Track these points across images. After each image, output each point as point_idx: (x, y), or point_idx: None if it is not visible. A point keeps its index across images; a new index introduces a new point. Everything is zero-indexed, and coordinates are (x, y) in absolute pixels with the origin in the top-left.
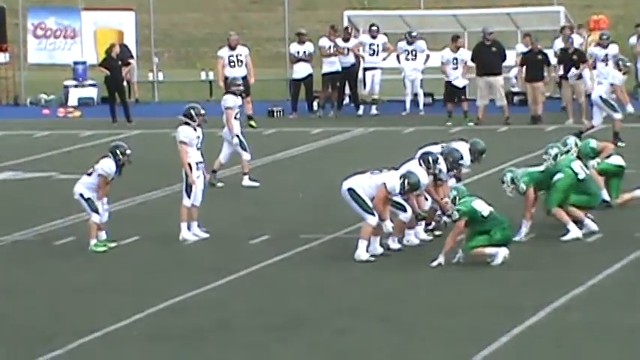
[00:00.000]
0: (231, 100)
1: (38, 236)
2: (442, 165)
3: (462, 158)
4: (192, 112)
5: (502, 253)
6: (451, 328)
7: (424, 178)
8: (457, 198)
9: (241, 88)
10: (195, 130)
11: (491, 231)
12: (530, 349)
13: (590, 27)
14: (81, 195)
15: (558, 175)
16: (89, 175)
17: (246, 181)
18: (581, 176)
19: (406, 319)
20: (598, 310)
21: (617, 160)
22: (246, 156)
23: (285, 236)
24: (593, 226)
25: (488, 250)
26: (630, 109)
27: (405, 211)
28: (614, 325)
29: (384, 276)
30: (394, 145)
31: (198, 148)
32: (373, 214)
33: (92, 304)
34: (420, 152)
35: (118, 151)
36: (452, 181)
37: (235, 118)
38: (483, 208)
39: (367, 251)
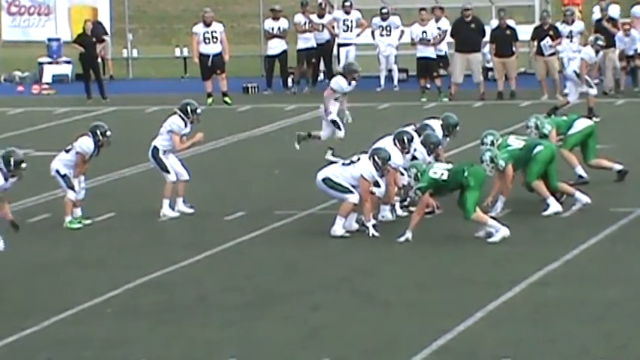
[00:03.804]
0: (339, 85)
1: (12, 213)
2: (417, 144)
3: (439, 142)
4: (187, 107)
5: (502, 232)
6: (426, 303)
7: (398, 158)
8: (418, 174)
9: (357, 76)
10: (186, 125)
11: (463, 184)
12: (506, 325)
13: (565, 2)
14: (57, 171)
15: (538, 148)
16: (67, 151)
17: (328, 156)
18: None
19: (381, 294)
20: (573, 286)
21: (582, 124)
22: (339, 134)
23: (260, 213)
24: (585, 199)
25: (491, 222)
26: (593, 91)
27: (379, 186)
28: (590, 300)
29: (359, 252)
30: (369, 121)
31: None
32: (353, 192)
33: (67, 281)
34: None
35: (98, 131)
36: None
37: (336, 100)
38: (442, 172)
39: (343, 227)
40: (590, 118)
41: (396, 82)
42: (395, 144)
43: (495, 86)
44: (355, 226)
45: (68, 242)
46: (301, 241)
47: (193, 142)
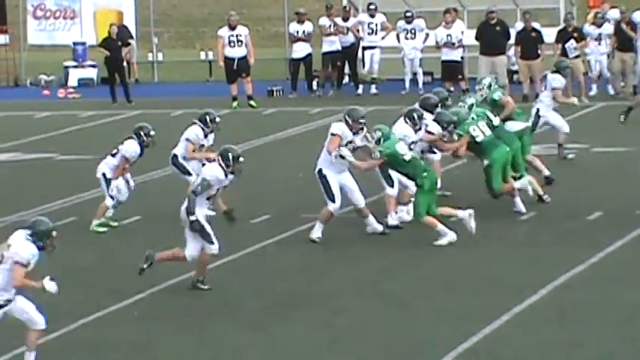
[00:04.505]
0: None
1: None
2: (427, 120)
3: (452, 120)
4: (207, 117)
5: (449, 237)
6: (451, 307)
7: (410, 133)
8: (382, 139)
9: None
10: (206, 136)
11: (416, 181)
12: (532, 328)
13: (590, 5)
14: (103, 175)
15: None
16: (113, 155)
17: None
18: (478, 139)
19: (406, 297)
20: (599, 289)
21: (515, 126)
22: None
23: (285, 215)
24: (522, 209)
25: (440, 227)
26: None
27: (392, 186)
28: (616, 302)
29: (383, 255)
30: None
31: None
32: (335, 202)
33: (93, 284)
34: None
35: (142, 133)
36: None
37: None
38: (406, 151)
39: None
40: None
41: (420, 85)
42: (406, 121)
43: (520, 89)
44: (380, 228)
45: (95, 245)
46: (326, 244)
47: (206, 156)
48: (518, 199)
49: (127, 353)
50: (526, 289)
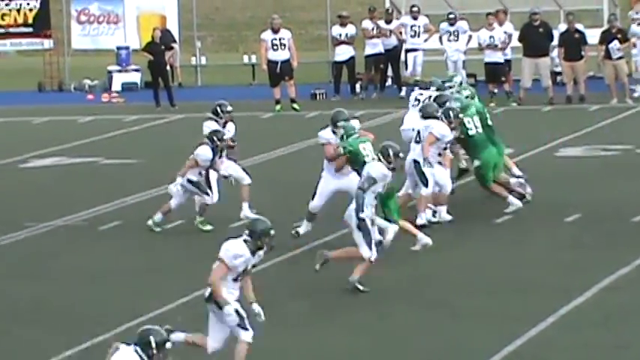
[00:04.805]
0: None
1: (83, 221)
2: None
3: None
4: (218, 109)
5: (425, 240)
6: (496, 309)
7: (448, 132)
8: (345, 136)
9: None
10: (222, 127)
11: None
12: (578, 330)
13: (633, 6)
14: (188, 180)
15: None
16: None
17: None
18: (471, 132)
19: (449, 300)
20: None
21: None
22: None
23: (328, 219)
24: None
25: (416, 233)
26: None
27: (426, 185)
28: None
29: (426, 258)
30: None
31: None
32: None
33: (138, 288)
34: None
35: (215, 138)
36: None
37: None
38: (368, 153)
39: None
40: None
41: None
42: (442, 120)
43: (564, 90)
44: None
45: (139, 249)
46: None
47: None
48: (511, 198)
49: (171, 357)
50: (571, 290)
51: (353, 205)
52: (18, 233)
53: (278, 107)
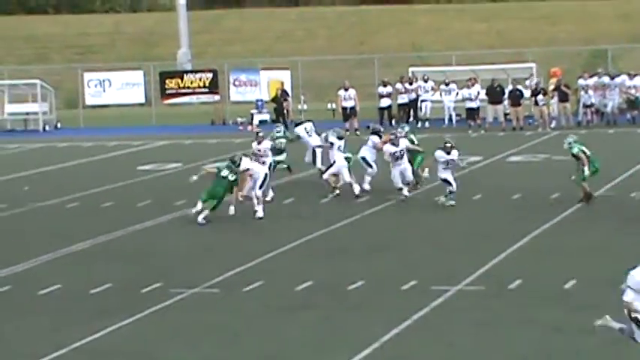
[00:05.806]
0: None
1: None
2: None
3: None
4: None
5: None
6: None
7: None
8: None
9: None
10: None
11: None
12: None
13: (550, 74)
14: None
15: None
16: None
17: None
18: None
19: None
20: None
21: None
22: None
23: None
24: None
25: None
26: None
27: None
28: None
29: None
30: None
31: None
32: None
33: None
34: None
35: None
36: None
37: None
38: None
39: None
40: None
41: (454, 122)
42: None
43: (511, 123)
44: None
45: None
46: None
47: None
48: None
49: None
50: (514, 237)
51: None
52: None
53: (347, 133)
